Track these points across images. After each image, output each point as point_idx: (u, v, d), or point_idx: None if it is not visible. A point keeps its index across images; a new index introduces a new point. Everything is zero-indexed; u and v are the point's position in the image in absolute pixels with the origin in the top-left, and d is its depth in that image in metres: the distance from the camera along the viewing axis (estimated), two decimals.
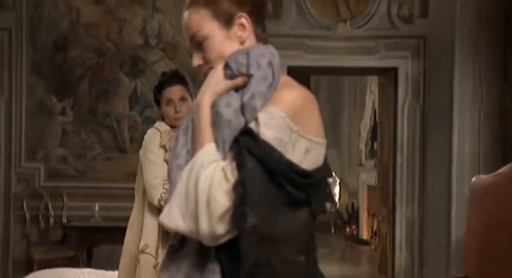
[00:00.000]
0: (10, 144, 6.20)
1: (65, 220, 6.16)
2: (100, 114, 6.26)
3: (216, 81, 1.59)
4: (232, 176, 1.47)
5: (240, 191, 1.45)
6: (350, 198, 10.91)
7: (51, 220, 6.17)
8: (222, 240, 1.48)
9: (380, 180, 6.96)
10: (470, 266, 3.86)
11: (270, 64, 1.57)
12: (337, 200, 10.71)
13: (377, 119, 8.18)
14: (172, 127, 3.04)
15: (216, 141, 1.54)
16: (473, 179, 4.07)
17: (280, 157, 1.48)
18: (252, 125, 1.50)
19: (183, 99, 3.02)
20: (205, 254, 1.53)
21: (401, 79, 6.23)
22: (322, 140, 1.57)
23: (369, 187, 9.61)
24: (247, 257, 1.48)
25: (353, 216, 10.40)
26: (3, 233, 6.20)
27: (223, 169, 1.48)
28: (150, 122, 3.23)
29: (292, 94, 1.53)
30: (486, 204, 3.81)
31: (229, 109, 1.53)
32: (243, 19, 1.61)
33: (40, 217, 6.17)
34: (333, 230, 10.50)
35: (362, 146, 10.58)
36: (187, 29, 1.63)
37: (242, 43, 1.62)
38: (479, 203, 3.89)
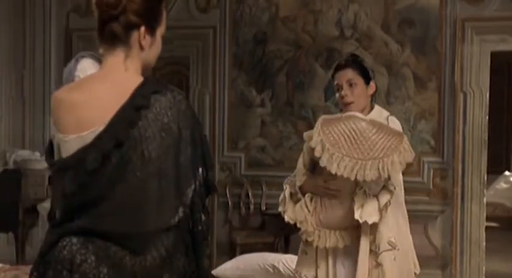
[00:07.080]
0: (214, 134, 6.56)
1: (263, 208, 6.41)
2: (296, 106, 6.41)
3: None
4: None
5: None
6: None
7: (251, 207, 6.46)
8: None
9: None
10: None
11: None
12: None
13: None
14: None
15: None
16: None
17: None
18: None
19: (350, 83, 2.90)
20: None
21: None
22: (67, 137, 1.79)
23: None
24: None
25: None
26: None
27: None
28: None
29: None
30: None
31: None
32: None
33: (241, 204, 6.49)
34: None
35: None
36: None
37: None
38: None
